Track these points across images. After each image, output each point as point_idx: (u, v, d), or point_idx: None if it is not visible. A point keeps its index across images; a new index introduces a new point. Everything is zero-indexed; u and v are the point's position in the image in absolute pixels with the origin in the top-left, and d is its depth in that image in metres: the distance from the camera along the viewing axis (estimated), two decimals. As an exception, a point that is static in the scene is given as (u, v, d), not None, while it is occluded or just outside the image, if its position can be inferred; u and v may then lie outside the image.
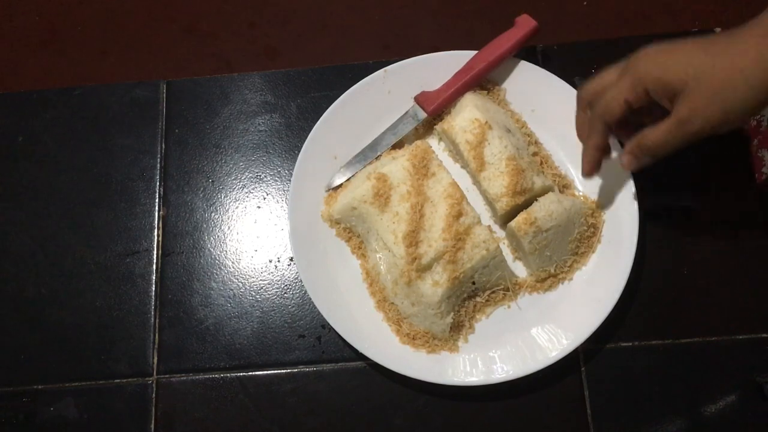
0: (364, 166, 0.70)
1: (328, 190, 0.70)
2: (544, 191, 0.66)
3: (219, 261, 0.72)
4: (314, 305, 0.66)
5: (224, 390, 0.68)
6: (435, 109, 0.71)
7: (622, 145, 0.66)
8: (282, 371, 0.68)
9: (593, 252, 0.67)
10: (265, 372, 0.68)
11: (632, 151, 0.59)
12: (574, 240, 0.66)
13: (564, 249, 0.66)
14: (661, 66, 0.54)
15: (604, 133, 0.61)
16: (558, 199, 0.65)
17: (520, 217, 0.64)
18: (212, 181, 0.74)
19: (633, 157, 0.59)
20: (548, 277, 0.67)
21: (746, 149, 0.72)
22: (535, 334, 0.65)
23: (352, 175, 0.70)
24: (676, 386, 0.66)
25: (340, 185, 0.70)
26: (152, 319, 0.70)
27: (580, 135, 0.64)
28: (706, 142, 0.71)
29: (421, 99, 0.71)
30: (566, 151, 0.70)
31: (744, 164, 0.71)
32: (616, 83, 0.57)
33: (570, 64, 0.75)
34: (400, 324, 0.66)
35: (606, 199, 0.68)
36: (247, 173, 0.75)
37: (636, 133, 0.58)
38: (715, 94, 0.51)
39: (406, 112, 0.71)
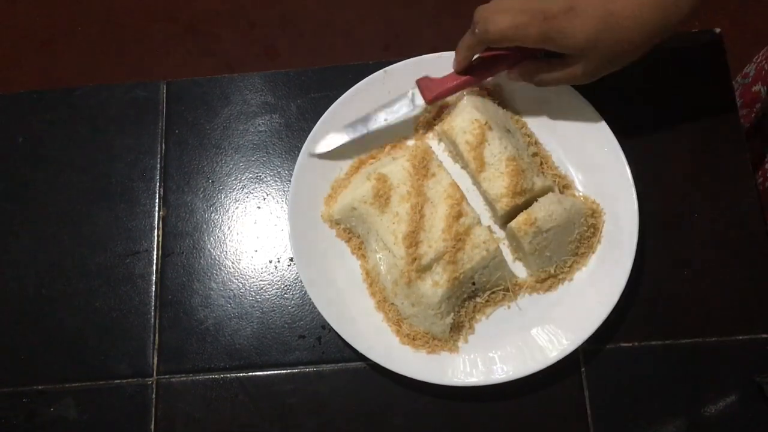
0: (352, 139, 0.70)
1: (311, 155, 0.69)
2: (544, 191, 0.66)
3: (219, 261, 0.72)
4: (314, 306, 0.66)
5: (224, 390, 0.68)
6: (434, 99, 0.69)
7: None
8: (282, 372, 0.68)
9: (593, 252, 0.67)
10: (265, 372, 0.68)
11: (522, 76, 0.65)
12: (574, 240, 0.66)
13: (564, 249, 0.66)
14: (565, 31, 0.58)
15: (480, 48, 0.64)
16: (558, 199, 0.65)
17: (520, 218, 0.64)
18: (212, 182, 0.74)
19: (521, 78, 0.66)
20: (548, 278, 0.67)
21: (747, 148, 0.72)
22: (535, 334, 0.65)
23: (338, 146, 0.69)
24: (676, 386, 0.66)
25: (322, 154, 0.70)
26: (152, 319, 0.70)
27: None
28: (707, 142, 0.72)
29: (422, 84, 0.69)
30: (566, 152, 0.70)
31: (744, 164, 0.71)
32: (517, 21, 0.59)
33: (570, 64, 0.75)
34: (400, 324, 0.66)
35: (606, 199, 0.68)
36: (247, 174, 0.75)
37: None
38: (609, 53, 0.58)
39: (404, 94, 0.70)
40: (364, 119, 0.70)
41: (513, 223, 0.64)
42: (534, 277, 0.67)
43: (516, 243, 0.67)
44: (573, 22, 0.57)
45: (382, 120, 0.70)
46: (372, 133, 0.70)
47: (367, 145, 0.71)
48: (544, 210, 0.64)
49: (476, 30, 0.61)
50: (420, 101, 0.69)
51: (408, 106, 0.70)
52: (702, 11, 0.78)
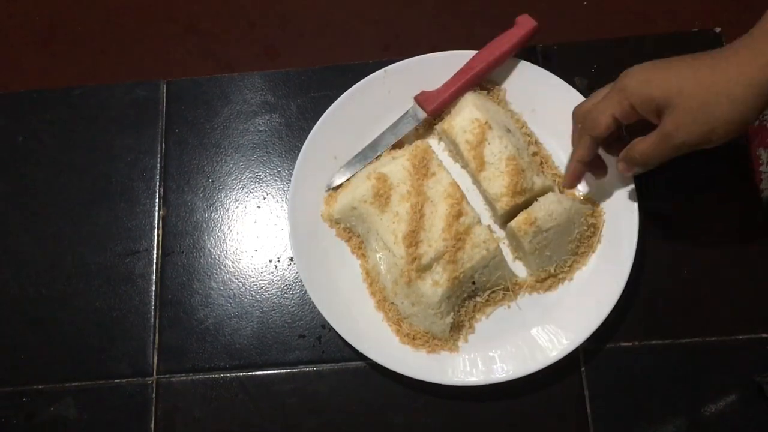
0: (364, 166, 0.70)
1: (328, 190, 0.70)
2: (544, 191, 0.66)
3: (219, 261, 0.72)
4: (314, 305, 0.66)
5: (224, 390, 0.68)
6: (435, 109, 0.71)
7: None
8: (282, 371, 0.68)
9: (593, 252, 0.67)
10: (265, 372, 0.68)
11: (623, 160, 0.61)
12: (574, 240, 0.66)
13: (564, 249, 0.66)
14: (646, 83, 0.55)
15: (590, 147, 0.62)
16: (558, 199, 0.65)
17: (521, 217, 0.64)
18: (212, 181, 0.74)
19: (624, 164, 0.61)
20: (548, 277, 0.67)
21: (747, 150, 0.72)
22: (535, 334, 0.65)
23: (352, 175, 0.70)
24: (676, 386, 0.66)
25: (340, 185, 0.70)
26: (152, 319, 0.70)
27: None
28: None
29: (421, 99, 0.71)
30: (566, 151, 0.70)
31: (744, 165, 0.71)
32: (603, 100, 0.59)
33: (570, 64, 0.75)
34: (400, 324, 0.66)
35: (606, 199, 0.68)
36: (247, 173, 0.75)
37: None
38: (698, 109, 0.53)
39: (406, 112, 0.71)
40: (372, 145, 0.71)
41: (513, 223, 0.64)
42: (534, 277, 0.67)
43: (516, 242, 0.67)
44: (665, 72, 0.55)
45: (389, 142, 0.71)
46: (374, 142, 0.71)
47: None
48: (544, 209, 0.64)
49: (581, 128, 0.62)
50: (422, 114, 0.71)
51: (412, 123, 0.71)
52: (701, 11, 0.78)
